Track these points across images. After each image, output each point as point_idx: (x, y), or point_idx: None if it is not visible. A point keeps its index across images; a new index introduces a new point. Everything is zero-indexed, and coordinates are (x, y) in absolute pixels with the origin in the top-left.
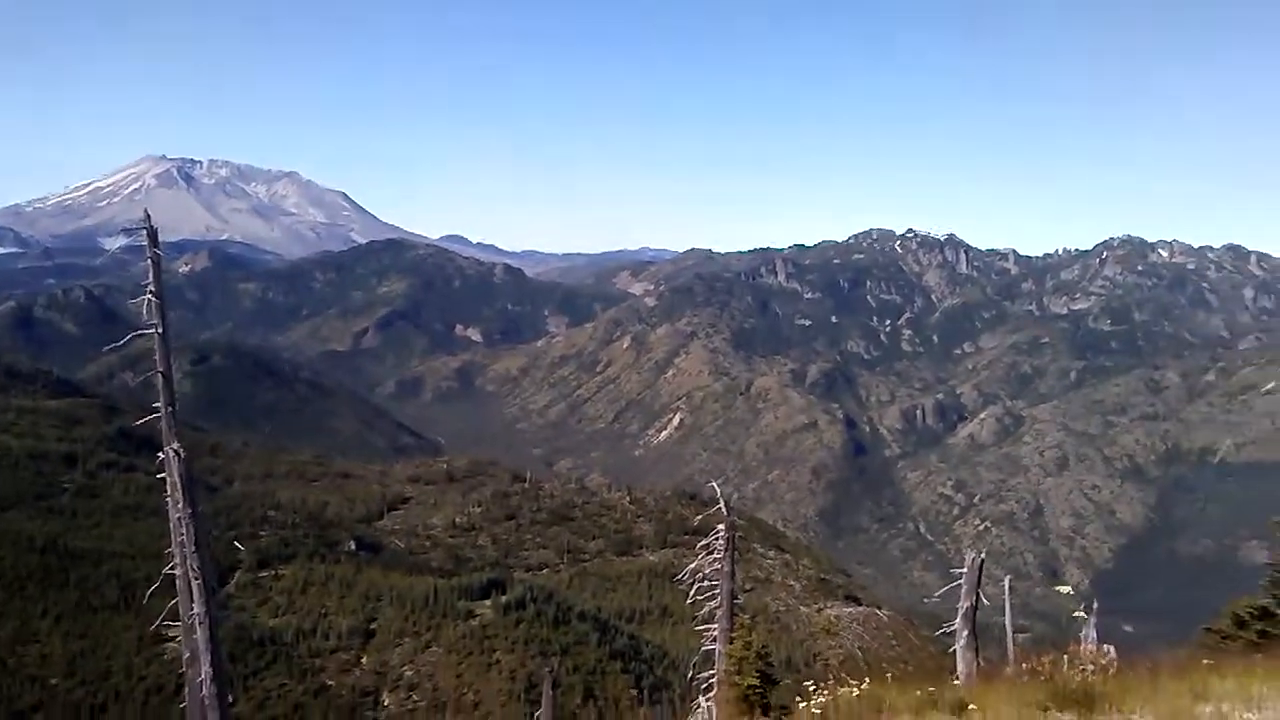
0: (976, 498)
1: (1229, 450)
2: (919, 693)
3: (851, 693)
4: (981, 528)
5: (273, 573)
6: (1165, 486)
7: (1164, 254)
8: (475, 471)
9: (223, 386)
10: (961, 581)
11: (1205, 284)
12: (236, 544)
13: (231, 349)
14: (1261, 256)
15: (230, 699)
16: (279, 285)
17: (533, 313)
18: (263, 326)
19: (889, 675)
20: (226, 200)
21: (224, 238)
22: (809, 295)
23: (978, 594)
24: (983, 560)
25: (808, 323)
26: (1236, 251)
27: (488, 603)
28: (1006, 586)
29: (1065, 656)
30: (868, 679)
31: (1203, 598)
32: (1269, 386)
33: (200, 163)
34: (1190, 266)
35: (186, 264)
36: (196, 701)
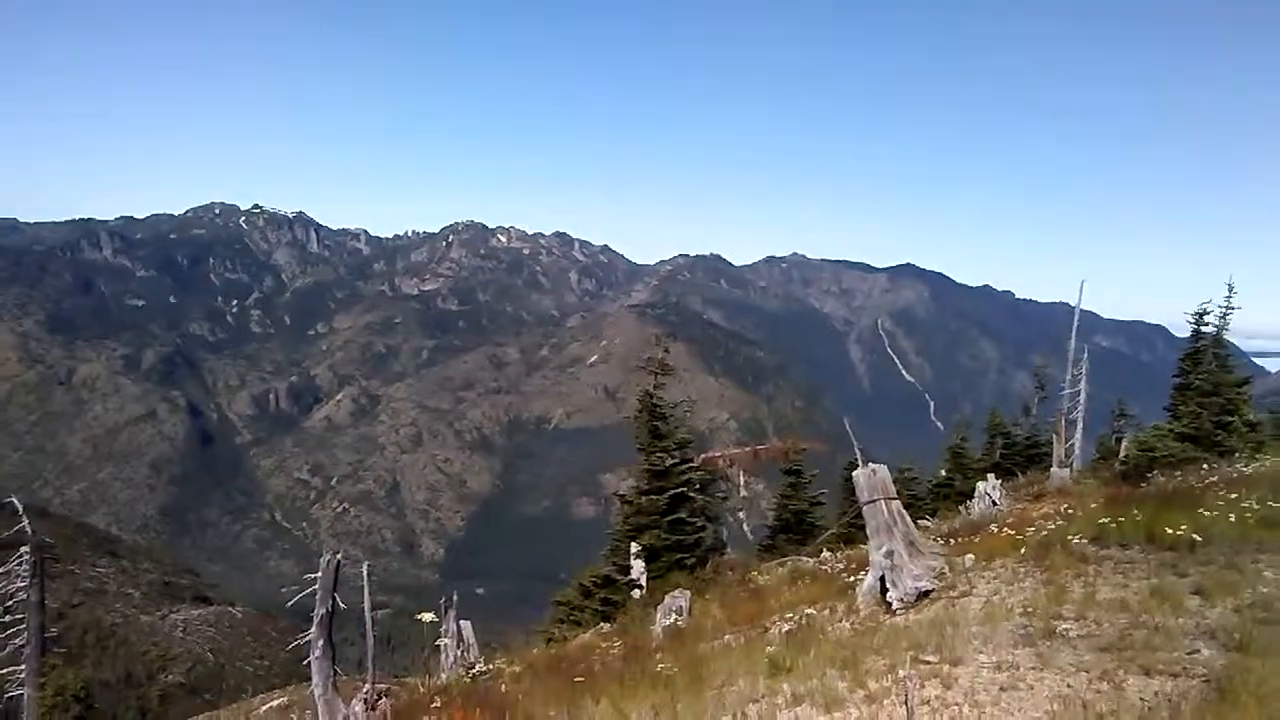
0: (334, 480)
1: (561, 418)
2: None
3: None
4: (340, 509)
5: None
6: (509, 455)
7: (503, 239)
8: None
9: None
10: (317, 587)
11: (538, 267)
12: None
13: None
14: (584, 244)
15: None
16: None
17: None
18: None
19: None
20: None
21: None
22: (142, 273)
23: (334, 599)
24: (339, 561)
25: (141, 303)
26: (564, 238)
27: None
28: (365, 572)
29: None
30: None
31: (545, 553)
32: (592, 359)
33: None
34: (526, 251)
35: None
36: None
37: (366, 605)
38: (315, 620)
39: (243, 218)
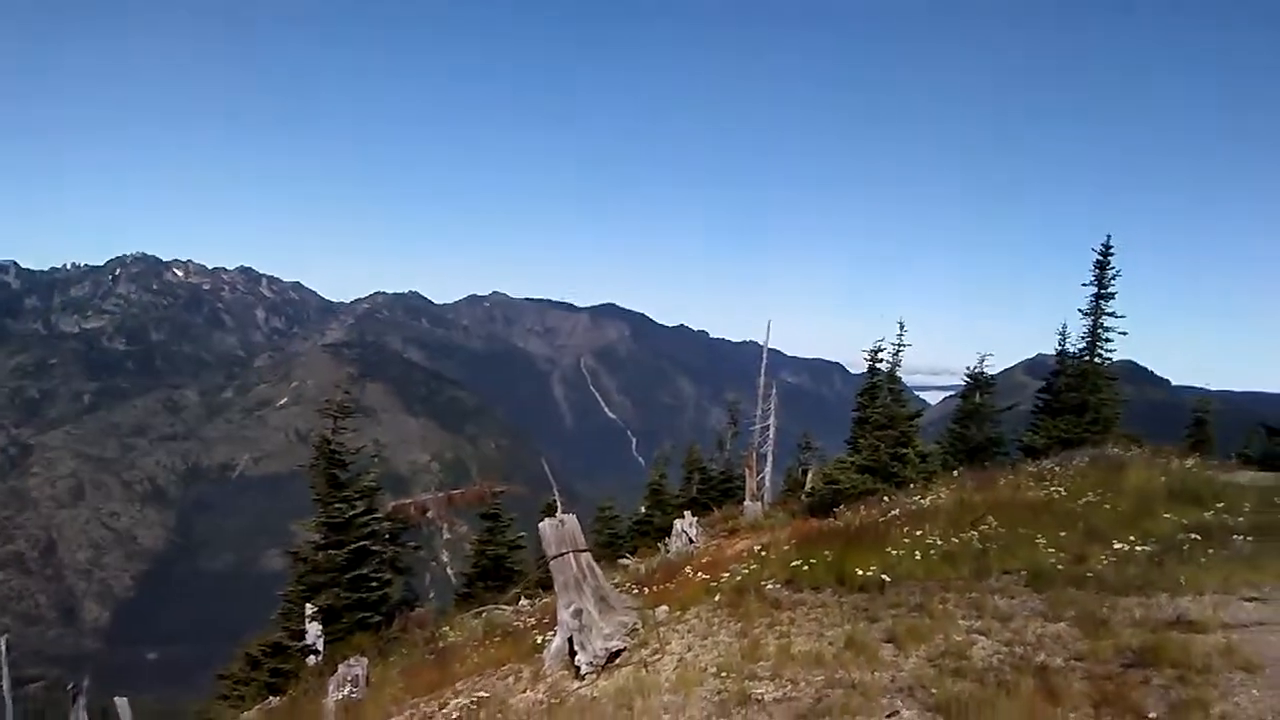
0: None
1: (247, 464)
2: None
3: None
4: None
5: None
6: (186, 506)
7: (179, 273)
8: None
9: None
10: None
11: (220, 304)
12: None
13: None
14: (272, 280)
15: None
16: None
17: None
18: None
19: None
20: None
21: None
22: None
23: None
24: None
25: None
26: (249, 274)
27: None
28: (3, 646)
29: None
30: None
31: (228, 611)
32: (281, 401)
33: None
34: (205, 287)
35: None
36: None
37: (5, 684)
38: None
39: None
